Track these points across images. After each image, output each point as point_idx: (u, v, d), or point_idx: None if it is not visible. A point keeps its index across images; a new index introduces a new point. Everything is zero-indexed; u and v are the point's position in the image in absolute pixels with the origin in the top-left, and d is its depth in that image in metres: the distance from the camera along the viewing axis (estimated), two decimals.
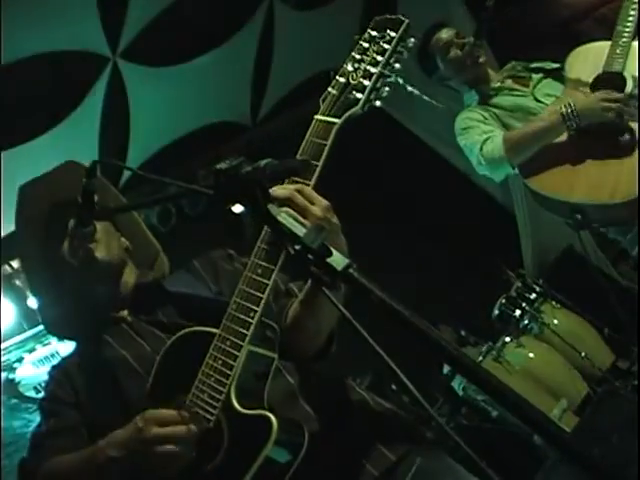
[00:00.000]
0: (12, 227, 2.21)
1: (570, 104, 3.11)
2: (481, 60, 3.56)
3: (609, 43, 3.24)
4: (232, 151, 5.27)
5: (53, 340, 4.84)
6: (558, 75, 3.49)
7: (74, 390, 1.94)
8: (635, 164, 2.99)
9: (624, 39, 3.19)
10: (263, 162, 1.37)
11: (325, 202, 1.62)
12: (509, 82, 3.59)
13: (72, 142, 4.52)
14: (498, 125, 3.40)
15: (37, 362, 4.83)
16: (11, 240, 4.18)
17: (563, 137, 3.17)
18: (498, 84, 3.59)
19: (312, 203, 1.59)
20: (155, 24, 4.59)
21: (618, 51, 3.18)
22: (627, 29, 3.21)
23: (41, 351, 4.86)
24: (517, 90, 3.54)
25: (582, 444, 1.05)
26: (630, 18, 3.23)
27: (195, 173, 5.16)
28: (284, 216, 1.31)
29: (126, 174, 4.82)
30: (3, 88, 3.99)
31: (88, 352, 2.01)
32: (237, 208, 1.26)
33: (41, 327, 4.80)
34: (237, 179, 1.34)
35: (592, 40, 3.41)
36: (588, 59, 3.31)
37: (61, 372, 2.03)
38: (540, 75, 3.57)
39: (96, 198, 1.80)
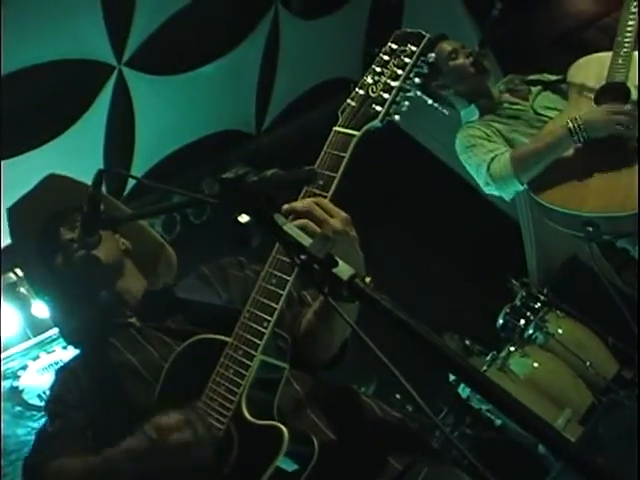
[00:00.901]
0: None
1: (576, 118, 3.10)
2: (485, 67, 3.56)
3: (610, 54, 3.24)
4: (237, 159, 5.29)
5: (57, 348, 4.85)
6: (556, 88, 3.49)
7: (80, 392, 1.94)
8: None
9: (625, 49, 3.19)
10: (269, 172, 1.38)
11: (344, 214, 1.61)
12: (507, 96, 3.58)
13: (77, 150, 4.54)
14: (502, 142, 3.38)
15: (41, 370, 4.83)
16: (14, 248, 4.19)
17: (571, 150, 3.17)
18: (496, 99, 3.58)
19: (331, 216, 1.58)
20: (160, 33, 4.60)
21: (620, 61, 3.18)
22: (627, 39, 3.21)
23: (45, 359, 4.87)
24: (517, 104, 3.53)
25: (586, 453, 1.05)
26: (629, 29, 3.23)
27: (200, 181, 5.18)
28: (290, 226, 1.31)
29: (131, 182, 4.83)
30: (9, 96, 4.01)
31: (95, 355, 2.02)
32: (243, 218, 1.25)
33: (45, 335, 4.82)
34: (243, 189, 1.34)
35: (596, 50, 3.41)
36: (590, 70, 3.31)
37: (68, 373, 2.04)
38: (538, 88, 3.56)
39: (102, 207, 1.81)
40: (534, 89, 3.57)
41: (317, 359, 1.86)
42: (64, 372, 2.06)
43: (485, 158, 3.30)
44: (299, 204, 1.58)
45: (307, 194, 1.64)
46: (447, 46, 3.55)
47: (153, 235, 2.28)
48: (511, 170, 3.21)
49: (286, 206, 1.57)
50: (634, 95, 3.12)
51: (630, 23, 3.23)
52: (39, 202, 2.13)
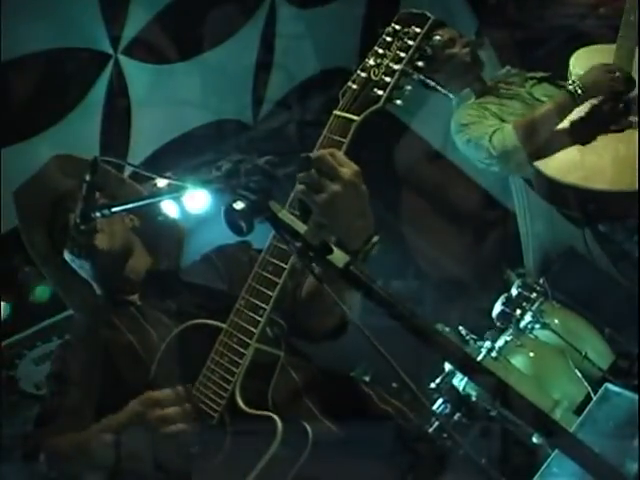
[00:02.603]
0: (12, 224, 2.23)
1: (574, 80, 3.17)
2: (480, 59, 3.56)
3: (610, 46, 3.25)
4: (233, 148, 5.29)
5: (54, 337, 4.84)
6: (551, 81, 3.50)
7: (78, 368, 1.96)
8: None
9: (627, 44, 3.20)
10: (263, 159, 1.37)
11: (355, 167, 1.56)
12: (503, 85, 3.58)
13: (74, 139, 4.53)
14: (499, 122, 3.37)
15: (38, 359, 4.83)
16: (11, 237, 4.19)
17: (576, 125, 3.18)
18: (490, 86, 3.58)
19: (341, 166, 1.53)
20: (157, 21, 4.59)
21: (624, 53, 3.19)
22: (630, 34, 3.22)
23: (42, 348, 4.86)
24: (513, 89, 3.54)
25: (582, 443, 1.05)
26: (631, 22, 3.23)
27: (196, 170, 5.16)
28: (285, 213, 1.31)
29: (127, 170, 4.82)
30: (4, 85, 3.99)
31: (94, 331, 2.02)
32: (238, 205, 1.24)
33: (42, 324, 4.82)
34: (238, 176, 1.34)
35: (596, 41, 3.42)
36: (592, 61, 3.31)
37: (67, 349, 2.07)
38: (534, 80, 3.56)
39: (97, 194, 1.81)
40: (530, 81, 3.58)
41: (318, 327, 1.85)
42: (64, 348, 2.10)
43: (487, 131, 3.28)
44: (312, 154, 1.55)
45: (323, 144, 1.60)
46: (444, 34, 3.54)
47: (164, 212, 2.30)
48: (515, 139, 3.18)
49: (301, 155, 1.53)
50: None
51: (631, 17, 3.24)
52: (46, 182, 2.15)
